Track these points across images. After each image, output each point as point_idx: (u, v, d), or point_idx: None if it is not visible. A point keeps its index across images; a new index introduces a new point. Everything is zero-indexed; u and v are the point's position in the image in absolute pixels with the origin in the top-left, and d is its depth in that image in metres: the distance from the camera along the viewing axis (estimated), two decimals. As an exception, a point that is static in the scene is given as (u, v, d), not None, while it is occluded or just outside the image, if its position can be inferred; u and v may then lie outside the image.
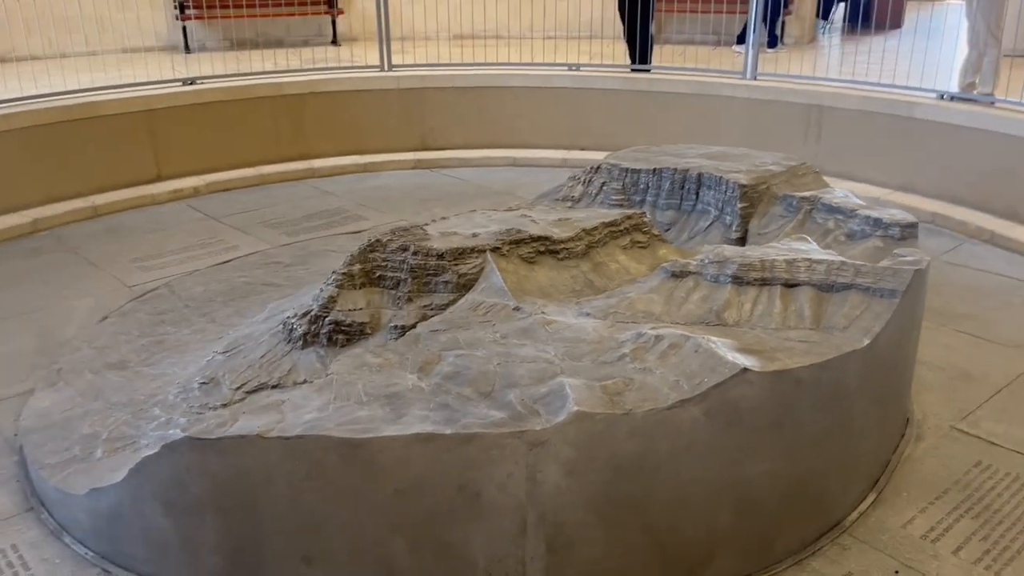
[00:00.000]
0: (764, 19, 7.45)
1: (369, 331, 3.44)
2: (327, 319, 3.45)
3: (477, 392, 2.64)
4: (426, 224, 3.86)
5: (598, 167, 5.16)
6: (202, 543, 2.61)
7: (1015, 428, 3.60)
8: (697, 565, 2.69)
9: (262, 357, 3.50)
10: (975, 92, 6.38)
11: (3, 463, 3.41)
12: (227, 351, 3.66)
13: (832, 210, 4.15)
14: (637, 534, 2.57)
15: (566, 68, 7.85)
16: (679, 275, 3.31)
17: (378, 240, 3.59)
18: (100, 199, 6.47)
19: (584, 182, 5.20)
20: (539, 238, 3.67)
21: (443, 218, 4.06)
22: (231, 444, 2.46)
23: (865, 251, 3.81)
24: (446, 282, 3.48)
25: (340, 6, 10.55)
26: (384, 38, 7.67)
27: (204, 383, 3.46)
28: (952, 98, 6.33)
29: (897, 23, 12.07)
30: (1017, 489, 3.21)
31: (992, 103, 6.24)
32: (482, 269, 3.50)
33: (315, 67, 7.77)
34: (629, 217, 3.97)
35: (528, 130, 7.75)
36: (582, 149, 7.69)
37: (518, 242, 3.63)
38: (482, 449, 2.38)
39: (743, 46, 7.89)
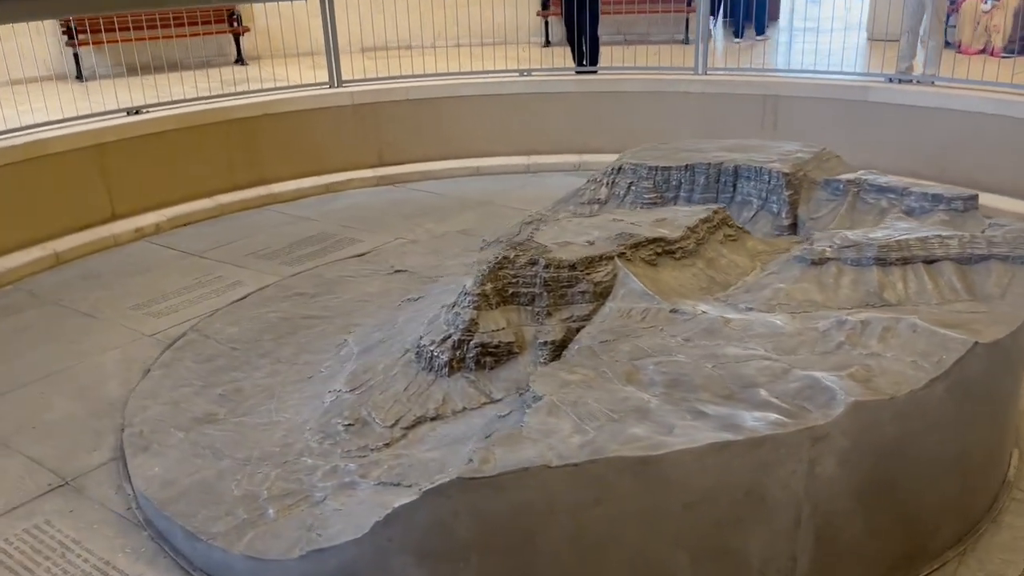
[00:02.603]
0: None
1: (516, 350, 3.35)
2: (471, 343, 3.33)
3: (717, 396, 2.62)
4: (532, 236, 3.77)
5: (619, 168, 5.20)
6: (463, 589, 2.46)
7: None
8: (928, 537, 2.79)
9: (405, 390, 3.33)
10: (914, 74, 6.90)
11: (137, 539, 3.06)
12: (354, 388, 3.46)
13: (882, 190, 4.38)
14: (888, 515, 2.64)
15: (517, 74, 7.85)
16: (818, 262, 3.41)
17: (505, 257, 3.49)
18: (59, 245, 5.89)
19: (607, 184, 5.23)
20: (654, 240, 3.68)
21: (536, 228, 3.98)
22: (510, 479, 2.33)
23: (935, 226, 4.05)
24: (583, 292, 3.43)
25: (244, 23, 10.07)
26: (332, 53, 7.40)
27: (349, 424, 3.26)
28: (900, 81, 6.82)
29: (775, 16, 12.85)
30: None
31: (932, 83, 6.78)
32: (615, 276, 3.48)
33: (264, 88, 7.39)
34: (716, 212, 4.04)
35: (486, 138, 7.70)
36: (541, 153, 7.72)
37: (636, 246, 3.63)
38: (772, 450, 2.38)
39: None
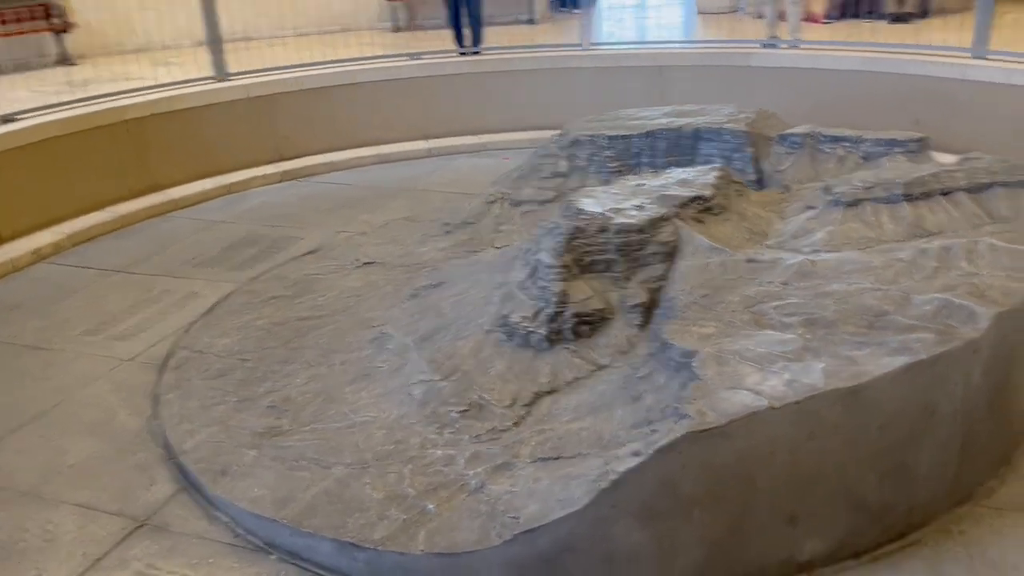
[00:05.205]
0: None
1: (609, 316, 3.40)
2: (567, 314, 3.34)
3: (860, 327, 2.83)
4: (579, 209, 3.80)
5: (575, 140, 5.34)
6: (683, 543, 2.51)
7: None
8: (1012, 443, 3.16)
9: (509, 368, 3.29)
10: (780, 40, 7.54)
11: (267, 564, 2.82)
12: (447, 376, 3.35)
13: (836, 139, 4.80)
14: (998, 420, 2.97)
15: (407, 58, 7.71)
16: (852, 204, 3.71)
17: (577, 227, 3.51)
18: (-47, 276, 5.16)
19: (567, 156, 5.35)
20: (695, 199, 3.83)
21: (573, 200, 4.00)
22: (738, 426, 2.41)
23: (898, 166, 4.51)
24: (653, 253, 3.54)
25: (68, 19, 9.11)
26: (216, 44, 6.91)
27: (464, 410, 3.17)
28: (773, 46, 7.42)
29: (597, -6, 13.37)
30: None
31: (797, 46, 7.44)
32: (677, 235, 3.60)
33: (147, 86, 6.76)
34: (722, 170, 4.26)
35: (384, 124, 7.52)
36: (440, 136, 7.66)
37: (683, 205, 3.77)
38: (944, 366, 2.61)
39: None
